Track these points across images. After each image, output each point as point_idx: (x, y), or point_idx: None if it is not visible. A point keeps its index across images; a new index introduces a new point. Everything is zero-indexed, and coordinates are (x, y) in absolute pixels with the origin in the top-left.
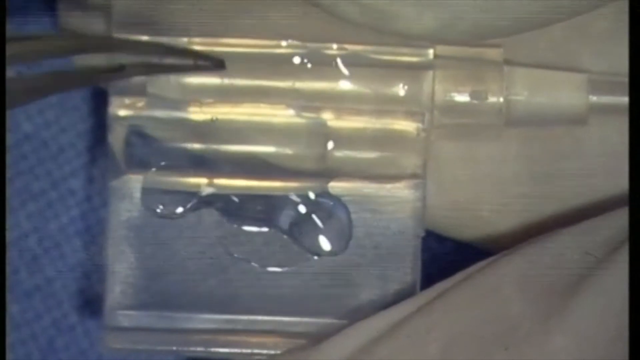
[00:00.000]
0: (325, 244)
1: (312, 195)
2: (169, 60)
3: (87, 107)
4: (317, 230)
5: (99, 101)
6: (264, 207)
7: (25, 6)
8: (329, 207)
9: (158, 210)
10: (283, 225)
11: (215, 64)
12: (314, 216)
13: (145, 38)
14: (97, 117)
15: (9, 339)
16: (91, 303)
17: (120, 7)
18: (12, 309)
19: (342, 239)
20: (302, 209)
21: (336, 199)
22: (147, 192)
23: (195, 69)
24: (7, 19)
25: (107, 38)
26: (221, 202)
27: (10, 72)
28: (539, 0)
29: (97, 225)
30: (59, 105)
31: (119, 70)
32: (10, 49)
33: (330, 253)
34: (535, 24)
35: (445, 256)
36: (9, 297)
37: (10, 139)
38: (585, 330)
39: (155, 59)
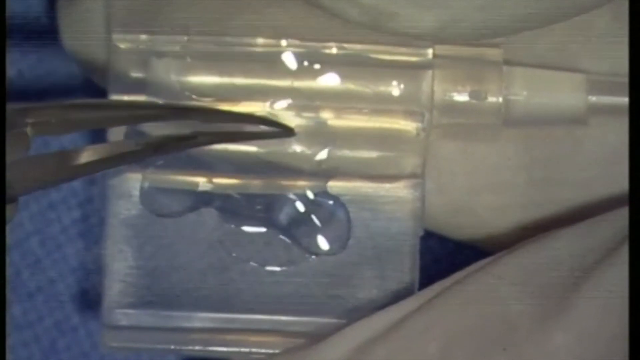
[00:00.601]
0: (323, 243)
1: (311, 195)
2: (241, 128)
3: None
4: (316, 230)
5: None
6: (263, 206)
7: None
8: (328, 207)
9: (157, 209)
10: (282, 225)
11: (285, 131)
12: (312, 216)
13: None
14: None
15: (11, 340)
16: (93, 304)
17: (118, 7)
18: (15, 310)
19: (341, 239)
20: (301, 208)
21: (335, 198)
22: (146, 190)
23: (266, 137)
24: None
25: (179, 106)
26: (220, 201)
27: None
28: (539, 0)
29: (99, 227)
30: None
31: (192, 139)
32: (87, 115)
33: (328, 252)
34: (535, 24)
35: (446, 257)
36: (11, 298)
37: None
38: (584, 330)
39: (226, 127)
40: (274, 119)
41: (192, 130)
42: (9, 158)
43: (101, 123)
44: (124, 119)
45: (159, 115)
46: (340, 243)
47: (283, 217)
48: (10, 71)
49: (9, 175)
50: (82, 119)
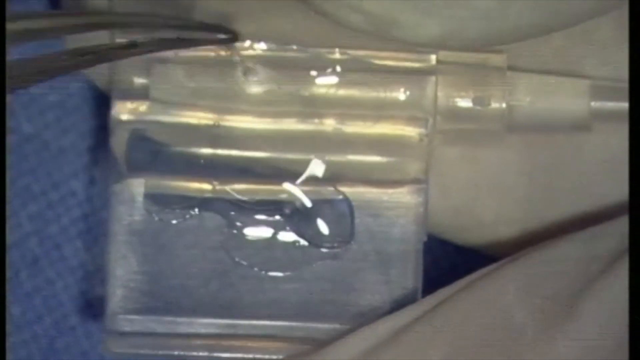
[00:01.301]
0: (326, 230)
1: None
2: (182, 35)
3: (88, 108)
4: (319, 221)
5: (100, 102)
6: (266, 211)
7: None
8: (331, 203)
9: (160, 215)
10: (285, 226)
11: (228, 36)
12: (316, 208)
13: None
14: (98, 118)
15: (10, 340)
16: (92, 304)
17: (122, 10)
18: (13, 310)
19: (344, 233)
20: (304, 206)
21: (341, 193)
22: (149, 196)
23: (208, 43)
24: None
25: (115, 14)
26: (223, 207)
27: (14, 54)
28: (542, 8)
29: (98, 227)
30: (60, 106)
31: (132, 47)
32: (12, 27)
33: (332, 244)
34: (539, 31)
35: (446, 259)
36: (10, 298)
37: (11, 140)
38: (588, 339)
39: (166, 34)
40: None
41: (130, 40)
42: None
43: (46, 33)
44: (68, 27)
45: (102, 24)
46: (344, 237)
47: (286, 218)
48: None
49: None
50: (27, 29)
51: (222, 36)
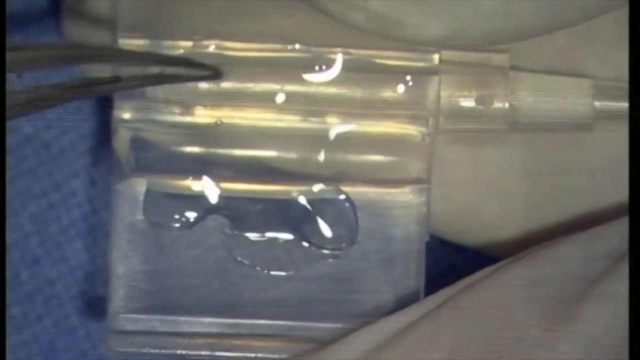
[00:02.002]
0: (330, 233)
1: (317, 196)
2: (166, 71)
3: (89, 108)
4: (322, 222)
5: (101, 102)
6: (269, 211)
7: (27, 9)
8: (335, 204)
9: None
10: (288, 227)
11: (212, 73)
12: (319, 209)
13: (141, 42)
14: (99, 118)
15: (11, 340)
16: (93, 305)
17: (125, 11)
18: (14, 310)
19: (349, 235)
20: (307, 207)
21: (342, 193)
22: (149, 200)
23: (192, 80)
24: (7, 21)
25: (102, 47)
26: (225, 207)
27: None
28: (546, 6)
29: (99, 227)
30: (61, 106)
31: (115, 82)
32: (8, 57)
33: (335, 245)
34: (542, 30)
35: (447, 259)
36: (10, 298)
37: (11, 140)
38: (593, 338)
39: (152, 70)
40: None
41: (113, 74)
42: None
43: (30, 64)
44: (52, 59)
45: (80, 57)
46: (347, 239)
47: (290, 219)
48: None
49: None
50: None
51: (205, 73)
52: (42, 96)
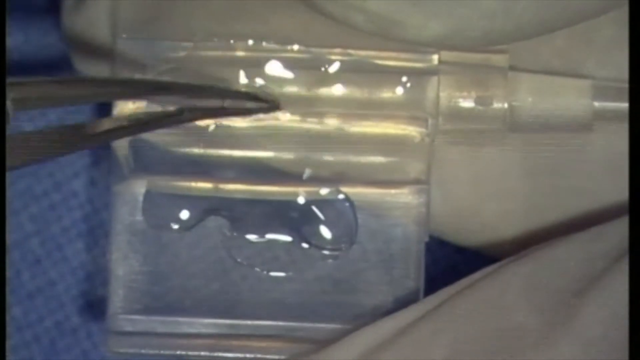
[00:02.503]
0: (329, 234)
1: (317, 196)
2: (226, 104)
3: (89, 108)
4: (321, 222)
5: (101, 103)
6: (269, 212)
7: (28, 6)
8: (334, 204)
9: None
10: (288, 228)
11: (270, 106)
12: (319, 213)
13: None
14: (99, 118)
15: (12, 341)
16: (94, 305)
17: (124, 11)
18: (15, 311)
19: (348, 235)
20: (307, 208)
21: (343, 193)
22: (151, 196)
23: (252, 113)
24: (7, 20)
25: (158, 82)
26: (225, 208)
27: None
28: (546, 6)
29: (100, 228)
30: (61, 106)
31: (177, 115)
32: (37, 92)
33: (335, 246)
34: (542, 30)
35: (446, 259)
36: (11, 299)
37: None
38: (592, 338)
39: (212, 103)
40: (259, 93)
41: (177, 107)
42: None
43: (83, 99)
44: (106, 95)
45: (142, 92)
46: (346, 239)
47: (289, 219)
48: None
49: None
50: (62, 95)
51: (263, 105)
52: (106, 130)
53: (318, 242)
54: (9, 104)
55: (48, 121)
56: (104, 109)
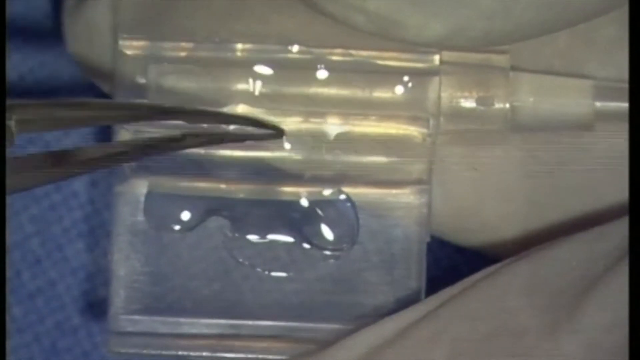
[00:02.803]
0: (331, 235)
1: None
2: (230, 129)
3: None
4: (323, 223)
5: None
6: (270, 212)
7: (27, 11)
8: (335, 204)
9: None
10: (290, 228)
11: (275, 132)
12: (320, 213)
13: (141, 43)
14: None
15: (12, 341)
16: (94, 305)
17: (125, 13)
18: (15, 311)
19: (350, 235)
20: (308, 211)
21: (344, 193)
22: (150, 202)
23: (255, 139)
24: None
25: (163, 107)
26: (227, 208)
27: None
28: (546, 6)
29: (101, 228)
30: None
31: (180, 141)
32: (72, 114)
33: (336, 246)
34: (542, 30)
35: (447, 259)
36: (12, 299)
37: None
38: (594, 338)
39: (215, 128)
40: (263, 120)
41: (180, 132)
42: None
43: (86, 122)
44: (109, 118)
45: (145, 115)
46: (348, 239)
47: (290, 220)
48: (12, 75)
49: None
50: (66, 117)
51: (268, 132)
52: (107, 154)
53: (319, 243)
54: (12, 124)
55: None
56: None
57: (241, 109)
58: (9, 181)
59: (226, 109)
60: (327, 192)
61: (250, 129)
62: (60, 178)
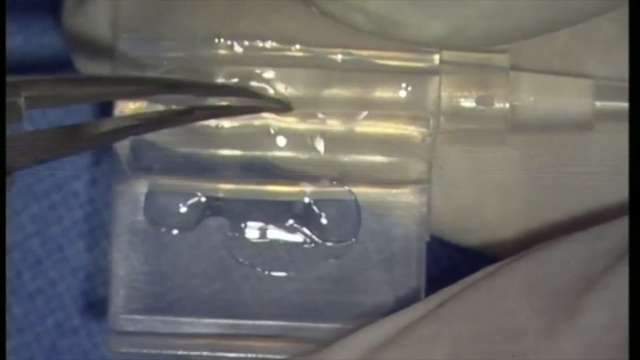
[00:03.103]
0: (332, 228)
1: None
2: (237, 103)
3: (90, 108)
4: (323, 222)
5: (102, 102)
6: (269, 212)
7: (28, 6)
8: (336, 198)
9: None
10: (288, 229)
11: (281, 106)
12: (319, 208)
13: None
14: (100, 118)
15: (13, 341)
16: (94, 305)
17: (125, 11)
18: (15, 311)
19: (352, 226)
20: (307, 211)
21: (345, 193)
22: (150, 201)
23: (261, 111)
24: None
25: (171, 80)
26: (226, 207)
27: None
28: (546, 6)
29: (101, 228)
30: (61, 106)
31: (188, 114)
32: (49, 90)
33: (338, 238)
34: (542, 29)
35: (446, 259)
36: (12, 299)
37: None
38: (593, 338)
39: (223, 101)
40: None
41: (188, 106)
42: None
43: (95, 97)
44: (118, 93)
45: (152, 90)
46: (351, 231)
47: (290, 219)
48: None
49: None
50: (75, 93)
51: (276, 105)
52: (115, 129)
53: (319, 241)
54: (21, 101)
55: (48, 121)
56: (106, 113)
57: None
58: (21, 158)
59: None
60: (327, 191)
61: (258, 102)
62: (70, 152)
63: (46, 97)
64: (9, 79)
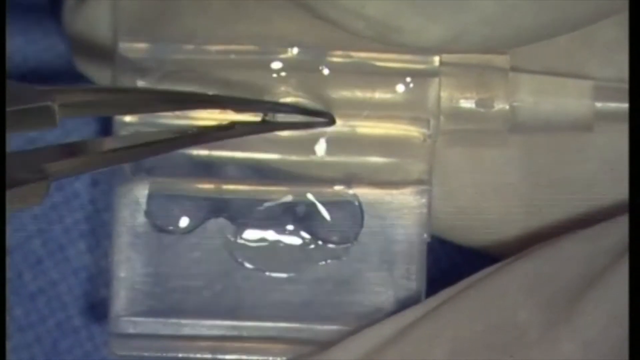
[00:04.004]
0: (336, 233)
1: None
2: (281, 118)
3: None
4: (324, 223)
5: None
6: (270, 214)
7: (28, 8)
8: (337, 198)
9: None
10: (289, 230)
11: (326, 120)
12: (320, 208)
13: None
14: (101, 120)
15: (13, 341)
16: (95, 306)
17: (125, 12)
18: (16, 311)
19: (354, 227)
20: (308, 212)
21: (346, 194)
22: (153, 198)
23: (305, 127)
24: (8, 21)
25: (206, 95)
26: (227, 209)
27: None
28: (546, 12)
29: (102, 228)
30: None
31: (230, 129)
32: (77, 99)
33: (338, 244)
34: (542, 36)
35: (447, 259)
36: (13, 299)
37: (12, 140)
38: (593, 337)
39: (266, 117)
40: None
41: (230, 121)
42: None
43: (127, 108)
44: (152, 105)
45: (188, 103)
46: (352, 231)
47: (291, 221)
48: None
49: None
50: (107, 103)
51: (320, 120)
52: (160, 140)
53: (320, 242)
54: (55, 106)
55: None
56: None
57: None
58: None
59: None
60: (328, 191)
61: (299, 117)
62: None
63: (81, 106)
64: (40, 87)
